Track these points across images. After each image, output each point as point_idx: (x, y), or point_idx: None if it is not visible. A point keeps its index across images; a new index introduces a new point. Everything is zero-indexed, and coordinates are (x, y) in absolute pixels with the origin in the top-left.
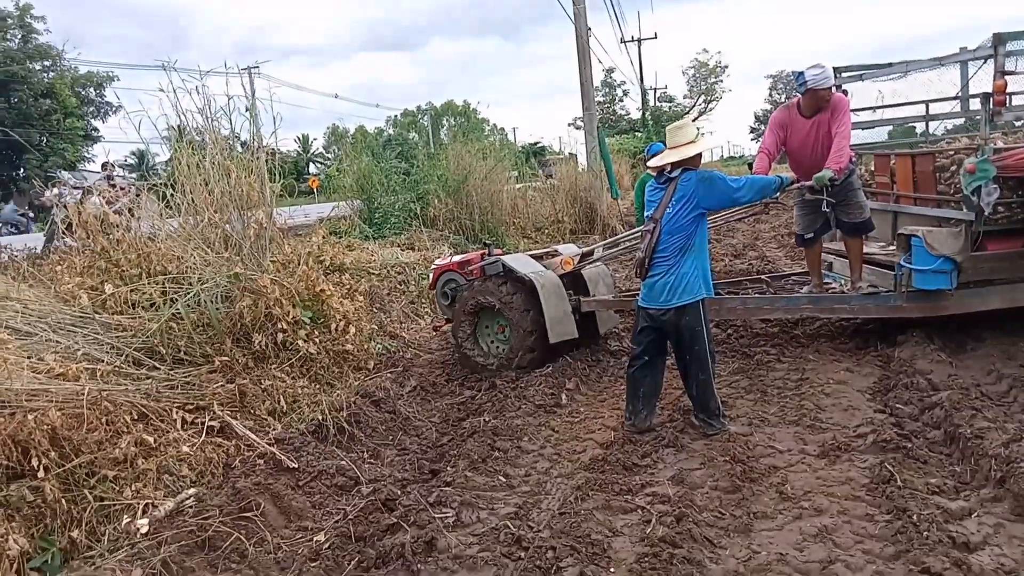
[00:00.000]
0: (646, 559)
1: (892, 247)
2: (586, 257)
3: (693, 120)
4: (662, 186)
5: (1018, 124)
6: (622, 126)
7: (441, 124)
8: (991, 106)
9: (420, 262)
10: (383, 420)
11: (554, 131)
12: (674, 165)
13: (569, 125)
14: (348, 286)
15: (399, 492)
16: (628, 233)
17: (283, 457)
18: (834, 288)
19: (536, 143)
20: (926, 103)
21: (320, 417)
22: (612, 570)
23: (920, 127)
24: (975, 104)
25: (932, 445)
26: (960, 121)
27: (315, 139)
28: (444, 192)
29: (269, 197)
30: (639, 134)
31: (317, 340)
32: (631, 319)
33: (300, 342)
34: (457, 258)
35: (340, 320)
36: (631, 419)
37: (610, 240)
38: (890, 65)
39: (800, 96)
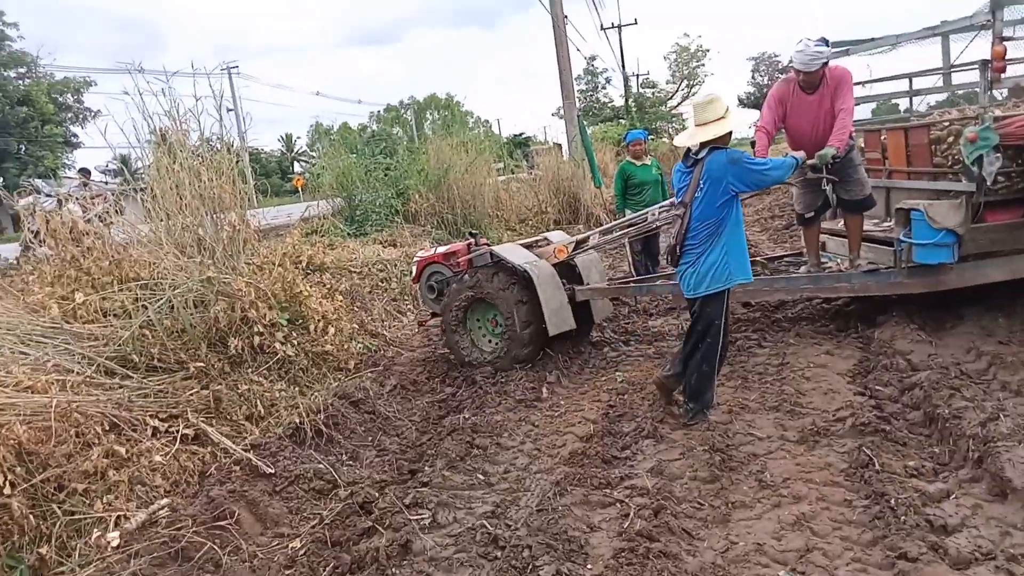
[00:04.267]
0: (623, 554)
1: (887, 223)
2: (580, 245)
3: (677, 105)
4: (689, 169)
5: (999, 97)
6: (606, 114)
7: (425, 118)
8: (990, 73)
9: (402, 259)
10: (362, 421)
11: (539, 121)
12: (702, 144)
13: (553, 115)
14: (328, 286)
15: (376, 494)
16: (624, 220)
17: (259, 463)
18: (831, 267)
19: (520, 134)
20: (909, 77)
21: (298, 420)
22: (589, 567)
23: (904, 103)
24: (956, 79)
25: (911, 427)
26: (942, 97)
27: (299, 137)
28: (425, 187)
29: (242, 198)
30: (623, 121)
31: (295, 342)
32: (624, 306)
33: (277, 344)
34: (442, 249)
35: (319, 321)
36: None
37: (606, 227)
38: (873, 40)
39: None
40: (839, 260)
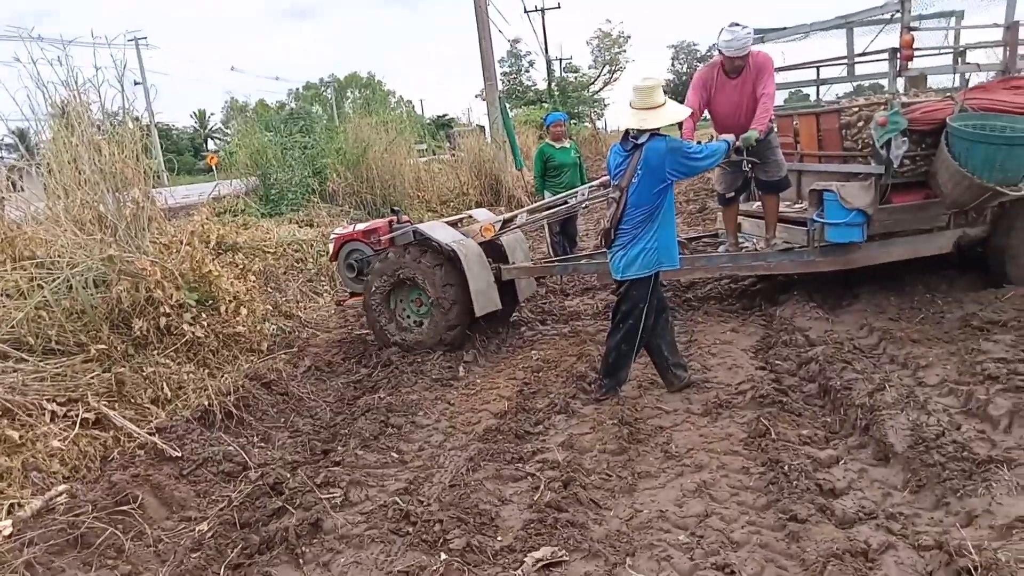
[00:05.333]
0: (532, 525)
1: (798, 205)
2: (507, 224)
3: (599, 90)
4: (627, 152)
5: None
6: (529, 97)
7: (345, 96)
8: (899, 61)
9: (318, 239)
10: (275, 403)
11: (463, 103)
12: (645, 129)
13: (476, 96)
14: (241, 266)
15: (288, 475)
16: (550, 200)
17: (165, 446)
18: (747, 247)
19: (444, 115)
20: (816, 66)
21: (207, 403)
22: (499, 538)
23: (813, 92)
24: (860, 69)
25: (807, 398)
26: (849, 87)
27: (213, 114)
28: (343, 166)
29: (146, 174)
30: (546, 105)
31: (205, 323)
32: (541, 286)
33: (185, 326)
34: (361, 226)
35: (230, 301)
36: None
37: (532, 206)
38: (787, 28)
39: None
40: (755, 240)
